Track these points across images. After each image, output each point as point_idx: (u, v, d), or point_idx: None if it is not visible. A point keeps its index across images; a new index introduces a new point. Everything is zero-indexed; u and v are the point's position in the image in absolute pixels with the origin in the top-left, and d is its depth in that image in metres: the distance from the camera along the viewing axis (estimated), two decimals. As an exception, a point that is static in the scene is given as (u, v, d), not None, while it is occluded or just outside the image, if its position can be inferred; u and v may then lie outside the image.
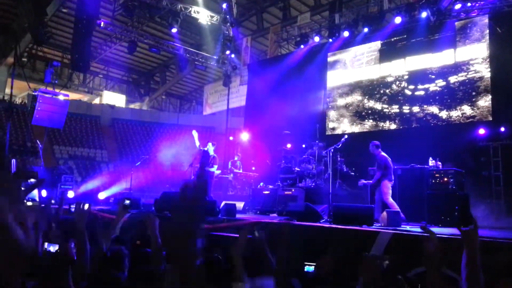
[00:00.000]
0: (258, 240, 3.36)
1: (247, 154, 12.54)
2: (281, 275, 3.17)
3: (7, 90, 22.21)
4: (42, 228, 3.39)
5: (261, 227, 3.63)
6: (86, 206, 2.86)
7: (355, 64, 13.79)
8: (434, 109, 11.70)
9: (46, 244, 3.53)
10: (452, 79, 11.47)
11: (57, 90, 13.52)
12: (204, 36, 20.06)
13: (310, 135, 11.64)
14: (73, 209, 2.94)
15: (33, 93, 12.91)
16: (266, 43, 20.68)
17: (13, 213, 1.92)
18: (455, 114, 11.32)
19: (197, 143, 9.67)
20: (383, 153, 7.95)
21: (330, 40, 14.53)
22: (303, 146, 11.54)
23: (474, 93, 11.04)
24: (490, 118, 10.62)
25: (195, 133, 9.76)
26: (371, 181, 7.85)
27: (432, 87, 11.82)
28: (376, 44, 13.25)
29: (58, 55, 25.69)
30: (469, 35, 11.35)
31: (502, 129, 10.01)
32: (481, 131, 10.26)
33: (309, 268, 3.68)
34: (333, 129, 14.03)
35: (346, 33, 13.88)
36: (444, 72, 11.63)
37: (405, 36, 12.58)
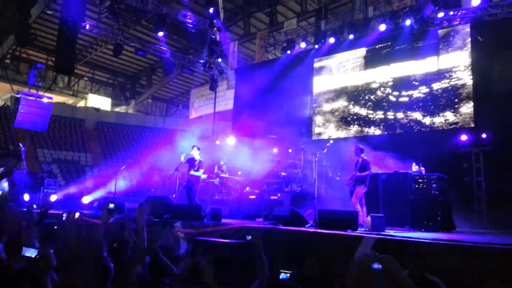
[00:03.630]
0: (254, 244, 3.38)
1: (234, 158, 12.52)
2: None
3: (-11, 92, 21.79)
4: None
5: (255, 231, 3.66)
6: (77, 215, 2.83)
7: (341, 70, 13.94)
8: (417, 115, 11.89)
9: (23, 249, 3.45)
10: (435, 86, 11.68)
11: (41, 93, 13.34)
12: (190, 40, 20.00)
13: (296, 140, 11.71)
14: (64, 217, 2.92)
15: (16, 95, 12.70)
16: (253, 48, 20.76)
17: None
18: (438, 120, 11.52)
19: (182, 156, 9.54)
20: (366, 158, 8.03)
21: (316, 46, 14.68)
22: (290, 150, 11.59)
23: (456, 100, 11.26)
24: (472, 125, 10.84)
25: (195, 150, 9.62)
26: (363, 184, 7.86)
27: (416, 93, 12.02)
28: (361, 51, 13.43)
29: (42, 57, 25.32)
30: (452, 43, 11.60)
31: (484, 135, 10.22)
32: (463, 137, 10.46)
33: (284, 275, 3.69)
34: (319, 134, 14.13)
35: (331, 40, 14.05)
36: (428, 79, 11.84)
37: (389, 43, 12.77)
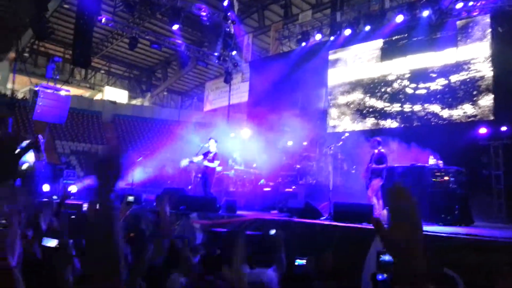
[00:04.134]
0: (275, 238, 3.41)
1: (248, 150, 12.55)
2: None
3: (9, 85, 22.23)
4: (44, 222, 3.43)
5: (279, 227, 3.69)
6: (98, 206, 2.87)
7: (356, 62, 13.79)
8: (435, 108, 11.71)
9: (44, 239, 3.53)
10: (454, 78, 11.47)
11: (58, 86, 13.57)
12: (205, 33, 20.02)
13: (311, 133, 11.68)
14: (84, 208, 2.98)
15: (35, 88, 12.95)
16: (267, 40, 20.67)
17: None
18: (456, 113, 11.33)
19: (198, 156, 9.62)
20: (383, 150, 7.96)
21: (332, 38, 14.52)
22: (304, 143, 11.57)
23: (475, 92, 11.04)
24: (492, 118, 10.63)
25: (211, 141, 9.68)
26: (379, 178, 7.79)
27: (434, 85, 11.82)
28: (378, 43, 13.24)
29: (60, 50, 25.70)
30: (471, 34, 11.34)
31: (504, 128, 10.01)
32: (482, 130, 10.26)
33: (300, 261, 3.70)
34: (334, 126, 14.04)
35: (347, 31, 13.88)
36: (446, 71, 11.63)
37: (406, 34, 12.56)
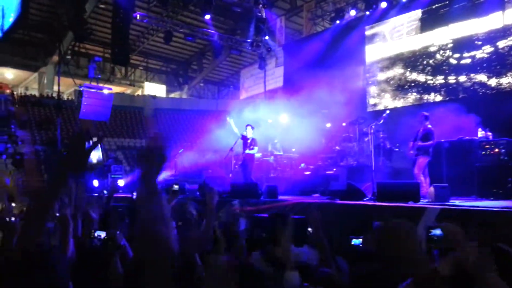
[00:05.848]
0: (313, 220, 3.39)
1: (287, 135, 12.49)
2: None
3: (55, 88, 23.32)
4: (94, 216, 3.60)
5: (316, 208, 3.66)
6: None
7: (395, 36, 13.25)
8: (482, 77, 11.07)
9: (96, 232, 3.72)
10: (501, 43, 10.75)
11: (101, 85, 14.10)
12: (237, 20, 19.94)
13: (350, 113, 11.42)
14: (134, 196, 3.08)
15: (79, 89, 13.52)
16: (300, 21, 20.28)
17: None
18: (505, 81, 10.65)
19: (235, 130, 9.75)
20: (430, 126, 7.66)
21: (367, 12, 14.02)
22: (343, 124, 11.33)
23: (526, 57, 10.32)
24: (545, 83, 9.92)
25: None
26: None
27: (479, 54, 11.16)
28: (417, 13, 12.63)
29: (99, 50, 26.55)
30: (519, -6, 10.56)
31: (559, 93, 9.32)
32: (535, 97, 9.61)
33: (356, 241, 3.64)
34: (374, 105, 13.65)
35: (383, 4, 13.33)
36: (492, 37, 10.92)
37: (447, 2, 11.88)
